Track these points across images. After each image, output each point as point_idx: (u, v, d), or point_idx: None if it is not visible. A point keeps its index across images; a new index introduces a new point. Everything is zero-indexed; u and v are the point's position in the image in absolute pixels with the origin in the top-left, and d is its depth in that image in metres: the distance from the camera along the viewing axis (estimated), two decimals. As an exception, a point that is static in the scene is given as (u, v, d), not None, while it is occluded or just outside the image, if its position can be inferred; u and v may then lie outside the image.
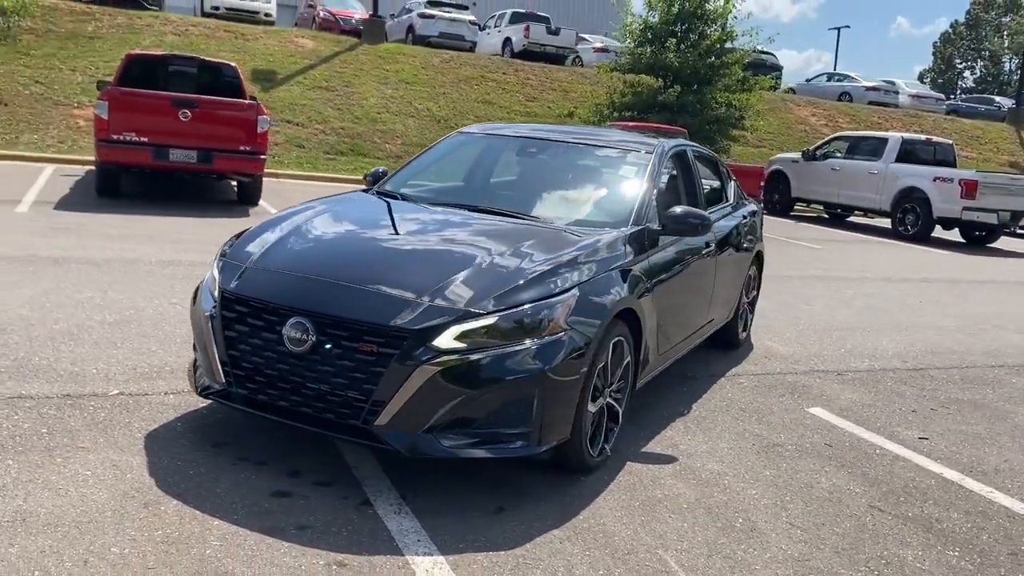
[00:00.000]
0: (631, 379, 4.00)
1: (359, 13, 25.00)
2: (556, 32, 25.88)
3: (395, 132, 19.03)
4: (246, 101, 11.07)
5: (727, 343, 6.09)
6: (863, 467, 4.17)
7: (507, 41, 26.17)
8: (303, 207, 4.31)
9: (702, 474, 3.87)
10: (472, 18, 25.72)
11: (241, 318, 3.40)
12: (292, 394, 3.30)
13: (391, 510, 3.22)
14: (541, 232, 3.95)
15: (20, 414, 3.75)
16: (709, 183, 6.09)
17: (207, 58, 12.50)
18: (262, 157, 11.01)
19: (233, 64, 12.23)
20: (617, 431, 3.94)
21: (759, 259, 6.40)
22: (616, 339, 3.71)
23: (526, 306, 3.30)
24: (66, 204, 9.99)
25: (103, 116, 10.17)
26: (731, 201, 6.01)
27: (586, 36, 29.02)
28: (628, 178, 4.67)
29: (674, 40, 19.46)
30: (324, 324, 3.23)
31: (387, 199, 4.60)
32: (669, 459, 4.01)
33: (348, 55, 21.84)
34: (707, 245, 4.99)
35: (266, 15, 23.16)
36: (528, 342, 3.25)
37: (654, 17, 20.32)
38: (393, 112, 19.79)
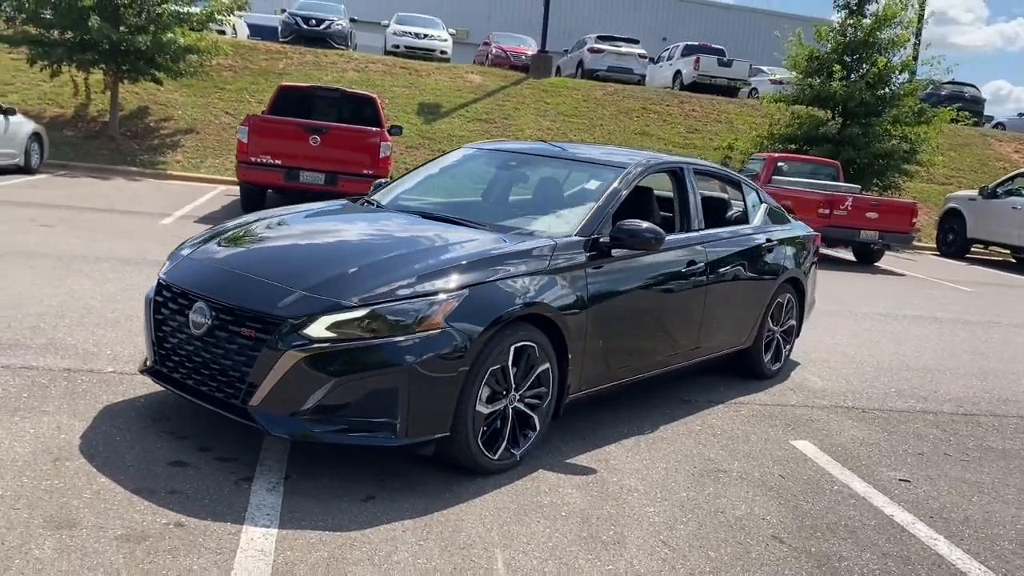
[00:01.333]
0: (554, 389, 4.00)
1: (531, 49, 25.80)
2: (728, 64, 25.41)
3: (547, 162, 19.43)
4: (371, 128, 11.83)
5: (751, 373, 5.83)
6: (803, 500, 3.91)
7: (677, 73, 26.02)
8: (276, 209, 4.68)
9: (610, 488, 3.81)
10: (641, 51, 25.80)
11: (165, 302, 3.79)
12: (195, 373, 3.64)
13: (265, 487, 3.45)
14: (465, 236, 4.07)
15: (18, 380, 4.34)
16: (734, 204, 5.92)
17: (348, 89, 13.51)
18: (383, 180, 11.71)
19: (372, 95, 13.15)
20: (534, 438, 3.96)
21: (795, 286, 6.07)
22: (522, 344, 3.75)
23: (400, 302, 3.45)
24: (208, 218, 11.12)
25: (243, 140, 11.27)
26: (754, 223, 5.79)
27: (764, 68, 28.25)
28: (589, 191, 4.68)
29: (841, 69, 18.57)
30: (218, 309, 3.54)
31: (364, 205, 4.89)
32: (587, 471, 3.97)
33: (512, 89, 22.60)
34: (691, 264, 4.86)
35: (441, 52, 24.44)
36: (398, 336, 3.39)
37: (825, 47, 19.49)
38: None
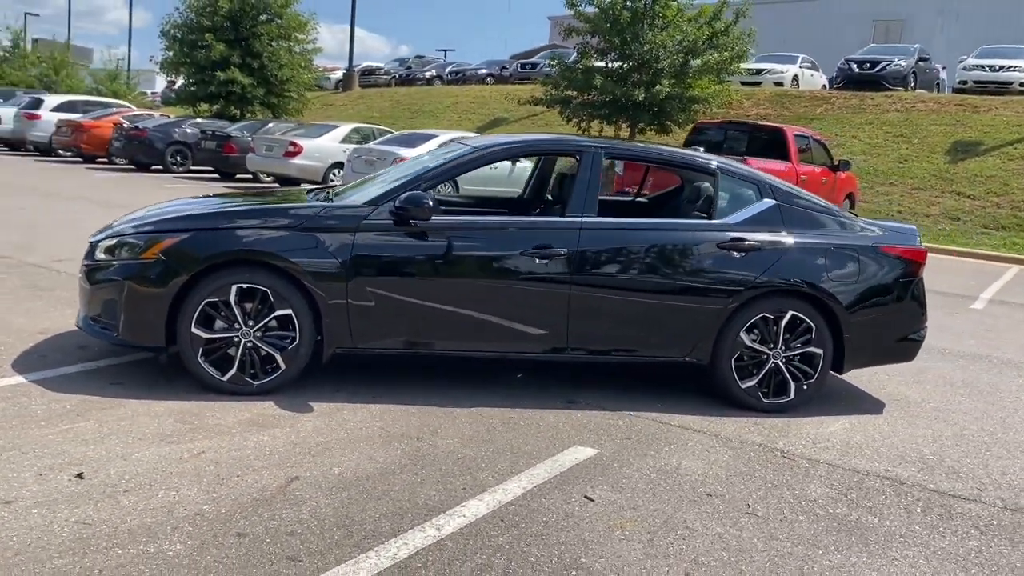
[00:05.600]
0: (305, 335, 4.47)
1: None
2: None
3: (1103, 206, 15.46)
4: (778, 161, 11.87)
5: (730, 402, 4.85)
6: (410, 480, 3.66)
7: None
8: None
9: (284, 423, 4.15)
10: None
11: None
12: (91, 293, 5.24)
13: (81, 364, 4.81)
14: (268, 200, 4.89)
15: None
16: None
17: (758, 122, 13.43)
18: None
19: (782, 127, 12.97)
20: (280, 375, 4.50)
21: (814, 304, 4.75)
22: (250, 286, 4.40)
23: (137, 236, 4.52)
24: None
25: (619, 174, 12.33)
26: (727, 219, 4.82)
27: None
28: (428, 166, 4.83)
29: None
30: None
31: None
32: (301, 410, 4.33)
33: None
34: (541, 248, 4.55)
35: (1021, 84, 20.94)
36: (125, 260, 4.49)
37: None
38: (1118, 183, 16.02)
